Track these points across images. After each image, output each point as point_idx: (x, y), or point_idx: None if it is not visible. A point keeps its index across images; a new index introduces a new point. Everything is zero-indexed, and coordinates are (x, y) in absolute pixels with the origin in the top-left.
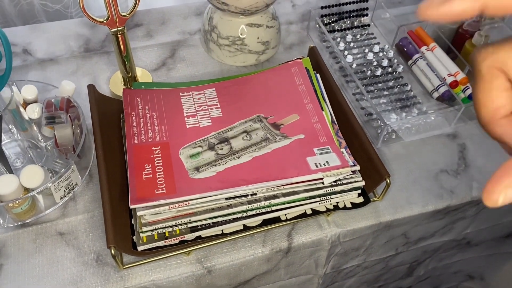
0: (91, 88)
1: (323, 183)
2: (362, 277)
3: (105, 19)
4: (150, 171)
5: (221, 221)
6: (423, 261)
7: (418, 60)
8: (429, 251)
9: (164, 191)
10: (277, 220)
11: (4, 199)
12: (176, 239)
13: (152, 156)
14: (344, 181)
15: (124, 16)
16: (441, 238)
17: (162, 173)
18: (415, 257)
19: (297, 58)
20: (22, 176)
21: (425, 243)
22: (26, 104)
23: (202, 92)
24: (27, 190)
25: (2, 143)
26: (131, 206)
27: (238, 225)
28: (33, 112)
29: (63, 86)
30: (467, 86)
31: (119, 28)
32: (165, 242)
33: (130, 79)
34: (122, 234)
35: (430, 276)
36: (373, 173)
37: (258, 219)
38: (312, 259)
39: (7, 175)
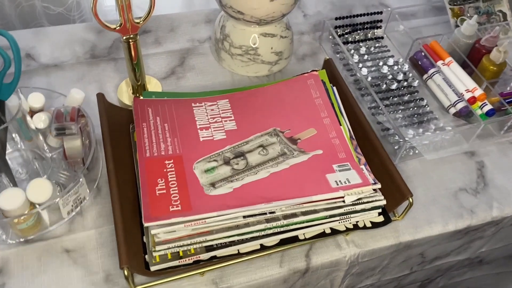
0: (101, 97)
1: (344, 201)
2: None
3: (117, 25)
4: (164, 186)
5: (237, 240)
6: (434, 279)
7: (434, 74)
8: (442, 270)
9: (179, 208)
10: (295, 239)
11: (10, 214)
12: (191, 259)
13: (165, 170)
14: (365, 200)
15: (138, 23)
16: (456, 257)
17: (176, 188)
18: (427, 275)
19: (313, 70)
20: (28, 190)
21: (440, 262)
22: (32, 112)
23: (215, 103)
24: (33, 204)
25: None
26: (145, 224)
27: (255, 245)
28: (40, 121)
29: (72, 95)
30: (485, 103)
31: (131, 36)
32: (179, 262)
33: (139, 87)
34: (134, 253)
35: None
36: (394, 192)
37: (276, 238)
38: (328, 279)
39: (13, 189)
